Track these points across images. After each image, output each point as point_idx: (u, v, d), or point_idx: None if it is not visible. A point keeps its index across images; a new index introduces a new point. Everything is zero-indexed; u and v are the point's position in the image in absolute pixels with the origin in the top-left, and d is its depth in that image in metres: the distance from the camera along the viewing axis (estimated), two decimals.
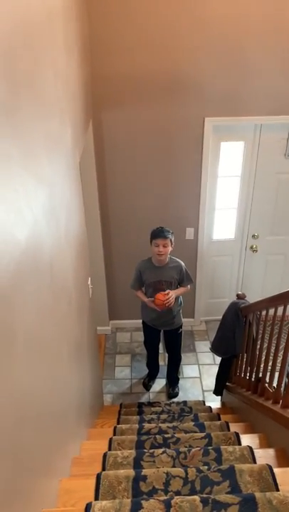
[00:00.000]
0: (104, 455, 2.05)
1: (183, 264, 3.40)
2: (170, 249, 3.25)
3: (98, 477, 1.78)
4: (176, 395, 3.91)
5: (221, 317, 3.34)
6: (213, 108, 3.55)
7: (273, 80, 3.44)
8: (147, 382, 4.04)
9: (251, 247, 4.36)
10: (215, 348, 3.43)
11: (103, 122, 3.56)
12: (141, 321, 3.75)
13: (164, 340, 3.85)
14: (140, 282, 3.46)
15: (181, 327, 3.66)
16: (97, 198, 3.84)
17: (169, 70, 3.38)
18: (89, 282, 2.96)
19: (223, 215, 4.24)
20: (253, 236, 4.32)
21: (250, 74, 3.42)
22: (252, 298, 3.23)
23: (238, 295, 3.27)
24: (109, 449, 2.28)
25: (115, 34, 3.23)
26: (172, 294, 3.26)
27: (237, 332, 3.17)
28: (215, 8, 3.16)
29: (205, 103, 3.52)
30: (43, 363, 1.49)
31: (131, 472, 1.81)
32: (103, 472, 1.83)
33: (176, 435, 2.39)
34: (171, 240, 3.22)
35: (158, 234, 3.21)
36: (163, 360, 4.18)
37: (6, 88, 1.14)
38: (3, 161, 1.11)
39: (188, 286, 3.48)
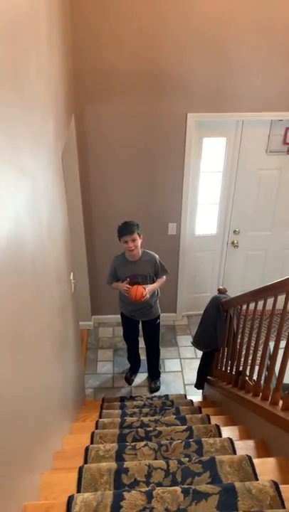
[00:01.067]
0: (87, 448, 2.06)
1: (157, 256, 3.42)
2: (140, 241, 3.26)
3: (80, 470, 1.79)
4: (157, 388, 3.94)
5: (202, 312, 3.37)
6: (196, 104, 3.57)
7: (256, 77, 3.47)
8: (129, 377, 4.06)
9: (232, 243, 4.41)
10: (196, 342, 3.47)
11: (86, 116, 3.54)
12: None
13: (142, 333, 3.86)
14: (115, 278, 3.46)
15: (158, 318, 3.69)
16: (79, 192, 3.83)
17: (153, 65, 3.38)
18: (71, 277, 2.96)
19: (205, 211, 4.27)
20: (235, 231, 4.37)
21: (234, 71, 3.45)
22: (233, 292, 3.27)
23: (219, 289, 3.31)
24: (92, 442, 2.29)
25: (99, 28, 3.21)
26: (148, 289, 3.29)
27: (218, 326, 3.21)
28: (201, 4, 3.17)
29: (188, 99, 3.53)
30: (25, 357, 1.49)
31: (113, 465, 1.82)
32: (85, 465, 1.84)
33: (157, 428, 2.42)
34: (138, 233, 3.22)
35: (124, 231, 3.21)
36: (144, 354, 4.20)
37: None
38: None
39: (164, 277, 3.50)
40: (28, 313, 1.56)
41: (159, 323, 3.73)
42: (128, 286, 3.29)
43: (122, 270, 3.39)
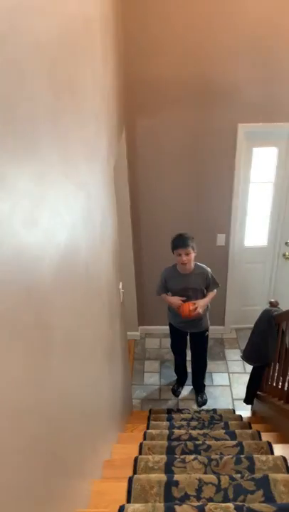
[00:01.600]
0: (136, 459, 2.06)
1: (209, 269, 3.36)
2: (193, 255, 3.20)
3: (130, 480, 1.79)
4: (204, 402, 3.87)
5: (252, 325, 3.29)
6: (247, 114, 3.53)
7: None
8: (176, 389, 4.01)
9: (284, 255, 4.29)
10: (246, 356, 3.38)
11: (136, 128, 3.60)
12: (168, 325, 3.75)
13: (190, 345, 3.81)
14: (165, 289, 3.42)
15: (207, 330, 3.62)
16: (128, 203, 3.88)
17: (203, 76, 3.39)
18: (120, 286, 2.99)
19: (255, 222, 4.19)
20: (286, 243, 4.25)
21: (284, 80, 3.39)
22: (285, 305, 3.17)
23: (270, 302, 3.22)
24: (140, 453, 2.28)
25: (149, 40, 3.27)
26: (200, 305, 3.23)
27: (269, 340, 3.12)
28: (249, 12, 3.16)
29: (238, 109, 3.51)
30: (78, 362, 1.52)
31: (163, 477, 1.80)
32: (135, 476, 1.83)
33: (206, 442, 2.37)
34: (192, 247, 3.16)
35: (178, 244, 3.15)
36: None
37: (52, 96, 1.18)
38: (46, 166, 1.14)
39: (215, 290, 3.44)
40: (81, 317, 1.59)
41: (207, 335, 3.67)
42: (181, 301, 3.25)
43: (172, 282, 3.35)
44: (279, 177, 3.95)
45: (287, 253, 4.28)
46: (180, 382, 4.05)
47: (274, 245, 4.29)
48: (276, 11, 3.15)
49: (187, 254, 3.14)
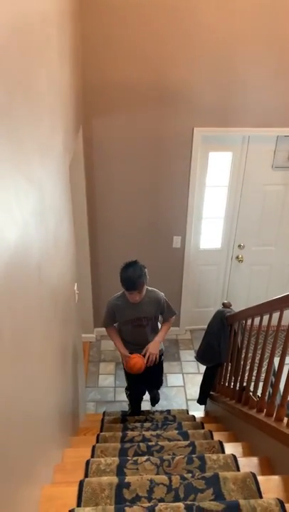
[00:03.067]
0: (87, 462, 2.03)
1: (162, 294, 3.02)
2: (145, 288, 2.87)
3: (81, 484, 1.76)
4: (157, 400, 3.76)
5: (206, 326, 3.35)
6: (203, 119, 3.60)
7: (262, 92, 3.51)
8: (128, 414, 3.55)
9: (237, 257, 4.40)
10: (200, 357, 3.43)
11: (93, 129, 3.58)
12: None
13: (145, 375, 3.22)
14: (113, 321, 3.08)
15: (162, 355, 3.27)
16: (85, 203, 3.84)
17: (160, 80, 3.42)
18: (75, 288, 2.95)
19: (210, 225, 4.27)
20: (239, 246, 4.36)
21: (240, 86, 3.48)
22: (237, 307, 3.25)
23: (223, 304, 3.29)
24: (92, 456, 2.26)
25: (107, 43, 3.26)
26: (152, 350, 2.93)
27: (222, 341, 3.18)
28: (207, 20, 3.22)
29: (195, 113, 3.57)
30: (28, 365, 1.48)
31: (114, 479, 1.79)
32: (86, 479, 1.80)
33: (159, 443, 2.38)
34: (144, 281, 2.81)
35: (128, 287, 2.78)
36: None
37: (1, 89, 1.14)
38: None
39: (172, 319, 3.11)
40: (32, 321, 1.55)
41: (163, 360, 3.33)
42: (128, 355, 2.95)
43: (122, 313, 2.99)
44: (233, 181, 4.04)
45: (240, 256, 4.39)
46: (134, 414, 3.55)
47: (228, 248, 4.39)
48: (231, 18, 3.22)
49: (139, 292, 2.82)
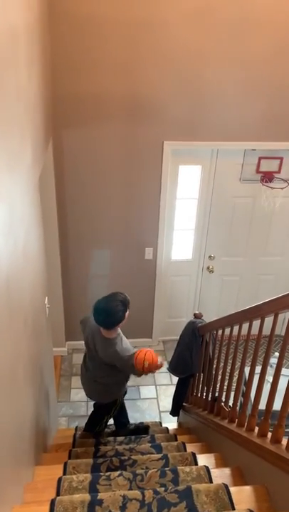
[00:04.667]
0: (59, 480, 1.99)
1: (120, 350, 2.52)
2: (117, 332, 2.57)
3: (52, 503, 1.73)
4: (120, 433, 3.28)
5: (178, 337, 3.36)
6: (172, 132, 3.65)
7: (230, 107, 3.59)
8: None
9: (208, 268, 4.46)
10: (172, 368, 3.43)
11: (63, 140, 3.57)
12: None
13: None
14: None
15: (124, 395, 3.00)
16: (56, 216, 3.81)
17: (130, 93, 3.46)
18: (46, 302, 2.91)
19: (181, 236, 4.32)
20: (210, 257, 4.42)
21: (208, 101, 3.56)
22: (208, 317, 3.28)
23: (195, 314, 3.31)
24: (64, 473, 2.21)
25: (77, 55, 3.28)
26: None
27: (194, 351, 3.20)
28: (177, 35, 3.28)
29: (164, 127, 3.62)
30: None
31: (86, 496, 1.76)
32: (57, 498, 1.77)
33: (132, 457, 2.36)
34: (115, 323, 2.47)
35: (96, 319, 2.46)
36: None
37: None
38: None
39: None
40: (1, 335, 1.52)
41: (123, 403, 3.06)
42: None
43: (84, 331, 2.75)
44: (203, 194, 4.11)
45: (210, 266, 4.45)
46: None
47: (198, 259, 4.44)
48: (201, 34, 3.30)
49: (107, 331, 2.50)
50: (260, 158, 3.96)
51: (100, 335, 2.54)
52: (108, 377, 2.68)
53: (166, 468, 2.11)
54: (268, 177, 4.00)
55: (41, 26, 2.74)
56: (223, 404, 2.70)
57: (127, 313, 2.46)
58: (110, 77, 3.38)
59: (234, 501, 1.78)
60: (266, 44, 3.37)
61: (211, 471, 2.11)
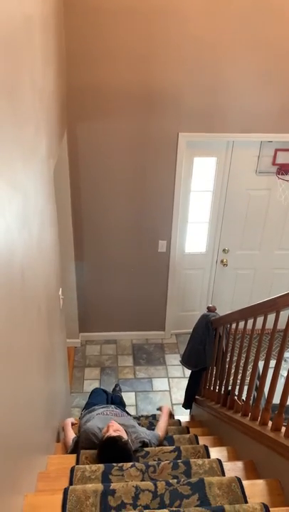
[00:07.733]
0: (72, 469, 2.01)
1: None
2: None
3: (65, 492, 1.74)
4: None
5: (191, 330, 3.35)
6: (187, 124, 3.62)
7: (246, 98, 3.54)
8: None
9: (222, 261, 4.43)
10: (185, 361, 3.43)
11: (78, 133, 3.57)
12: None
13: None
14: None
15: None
16: (70, 208, 3.82)
17: (145, 85, 3.43)
18: (60, 293, 2.93)
19: (195, 229, 4.29)
20: (224, 250, 4.39)
21: (224, 92, 3.51)
22: (222, 311, 3.26)
23: (208, 308, 3.30)
24: (77, 463, 2.23)
25: (92, 46, 3.26)
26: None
27: (207, 345, 3.19)
28: (193, 25, 3.24)
29: (179, 118, 3.58)
30: (11, 371, 1.46)
31: (99, 486, 1.77)
32: (70, 487, 1.78)
33: (145, 448, 2.37)
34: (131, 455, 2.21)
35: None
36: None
37: None
38: None
39: None
40: (16, 326, 1.53)
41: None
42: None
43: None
44: (218, 186, 4.07)
45: (224, 260, 4.42)
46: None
47: (212, 252, 4.41)
48: (218, 23, 3.24)
49: None
50: (276, 150, 3.90)
51: None
52: None
53: (179, 461, 2.11)
54: (284, 169, 3.94)
55: (56, 17, 2.72)
56: (236, 397, 2.69)
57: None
58: (125, 68, 3.36)
59: (247, 495, 1.77)
60: (284, 34, 3.30)
61: (224, 464, 2.10)
